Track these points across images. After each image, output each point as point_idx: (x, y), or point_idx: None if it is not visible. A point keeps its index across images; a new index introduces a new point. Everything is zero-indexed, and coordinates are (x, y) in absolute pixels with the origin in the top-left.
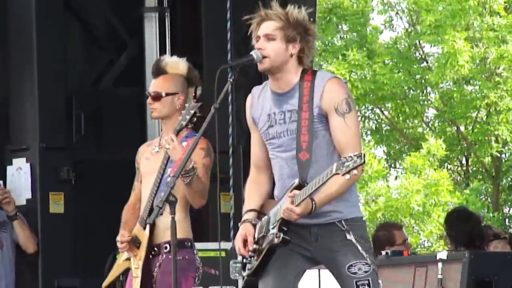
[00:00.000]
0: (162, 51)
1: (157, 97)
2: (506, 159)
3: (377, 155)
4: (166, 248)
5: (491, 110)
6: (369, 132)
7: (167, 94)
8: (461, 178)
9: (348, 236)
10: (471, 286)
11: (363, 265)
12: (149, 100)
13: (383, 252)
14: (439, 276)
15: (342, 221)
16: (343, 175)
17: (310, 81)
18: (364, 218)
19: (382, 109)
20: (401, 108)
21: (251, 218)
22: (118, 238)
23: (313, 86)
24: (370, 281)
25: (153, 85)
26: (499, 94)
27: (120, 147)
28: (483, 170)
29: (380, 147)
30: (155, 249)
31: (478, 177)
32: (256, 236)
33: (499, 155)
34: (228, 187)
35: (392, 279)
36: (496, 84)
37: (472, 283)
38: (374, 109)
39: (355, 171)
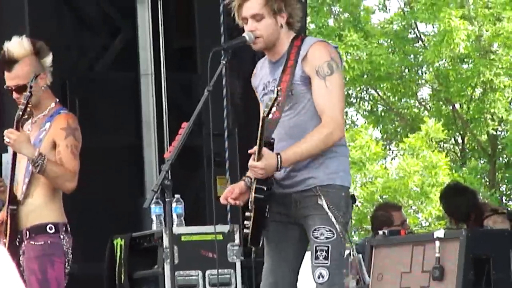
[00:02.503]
0: (155, 35)
1: (22, 88)
2: (502, 136)
3: (374, 137)
4: (27, 234)
5: (486, 88)
6: (364, 114)
7: (32, 80)
8: (457, 157)
9: (319, 201)
10: (469, 264)
11: (326, 231)
12: (15, 95)
13: (380, 232)
14: (437, 255)
15: (317, 187)
16: (267, 116)
17: (298, 47)
18: (345, 187)
19: (377, 89)
20: (396, 88)
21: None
22: None
23: (299, 51)
24: (330, 248)
25: (12, 78)
26: (494, 71)
27: (115, 132)
28: (480, 149)
29: (377, 128)
30: (19, 236)
31: (475, 155)
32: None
33: (495, 133)
34: (224, 170)
35: (389, 258)
36: (491, 62)
37: (470, 260)
38: (369, 89)
39: (274, 109)
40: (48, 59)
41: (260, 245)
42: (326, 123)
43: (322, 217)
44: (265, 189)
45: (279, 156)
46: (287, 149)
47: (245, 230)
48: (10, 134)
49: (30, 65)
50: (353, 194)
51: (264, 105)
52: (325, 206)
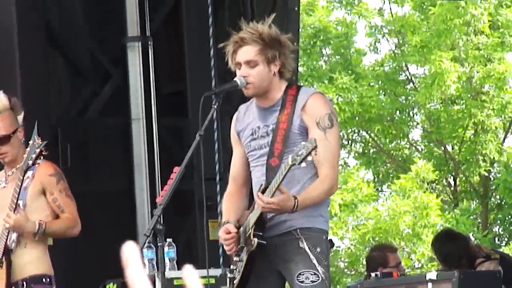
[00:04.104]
0: (146, 80)
1: (5, 139)
2: (494, 177)
3: (366, 178)
4: (23, 285)
5: (478, 129)
6: (356, 155)
7: (14, 133)
8: (449, 198)
9: (300, 244)
10: None
11: (311, 274)
12: None
13: (373, 274)
14: None
15: (297, 230)
16: (299, 164)
17: (294, 95)
18: (324, 230)
19: (369, 131)
20: (388, 130)
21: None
22: None
23: (296, 100)
24: None
25: None
26: (486, 113)
27: (107, 177)
28: (472, 190)
29: (368, 170)
30: (13, 287)
31: (467, 196)
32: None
33: (487, 174)
34: (216, 214)
35: None
36: (482, 103)
37: None
38: (361, 131)
39: (309, 158)
40: (21, 117)
41: None
42: (327, 178)
43: (305, 261)
44: (262, 234)
45: (296, 200)
46: (304, 194)
47: (229, 275)
48: (8, 219)
49: (9, 118)
50: (331, 239)
51: (294, 153)
52: (307, 249)
